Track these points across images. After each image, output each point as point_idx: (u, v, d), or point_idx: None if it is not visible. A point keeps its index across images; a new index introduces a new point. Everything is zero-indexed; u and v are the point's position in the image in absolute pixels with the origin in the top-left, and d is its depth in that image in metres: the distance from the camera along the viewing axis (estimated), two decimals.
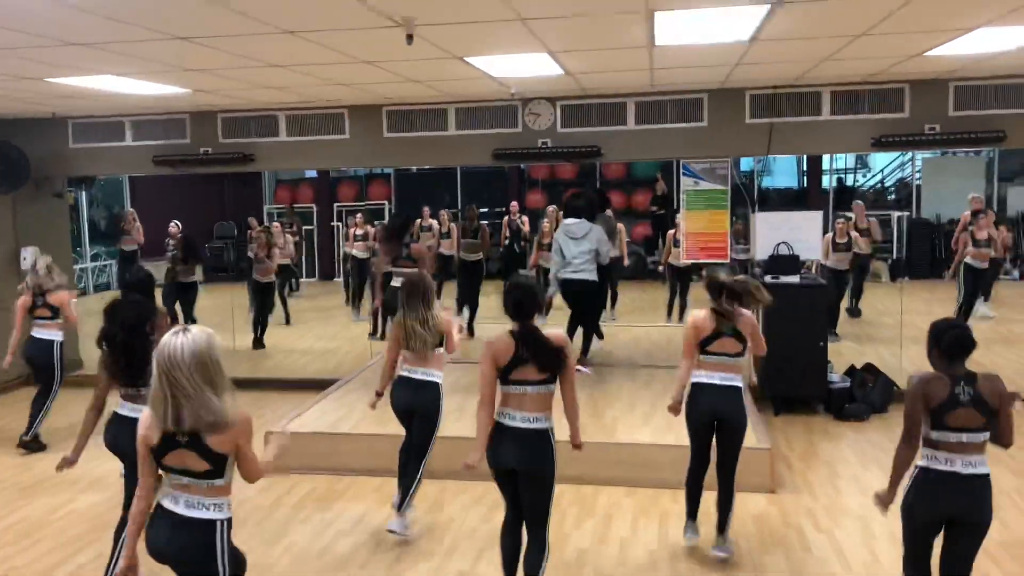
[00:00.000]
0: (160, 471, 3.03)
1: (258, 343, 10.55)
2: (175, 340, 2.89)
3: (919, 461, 3.54)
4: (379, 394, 5.29)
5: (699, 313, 4.77)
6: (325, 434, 6.61)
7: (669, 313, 10.89)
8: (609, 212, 10.76)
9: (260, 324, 10.64)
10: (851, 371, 7.94)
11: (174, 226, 11.39)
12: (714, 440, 4.81)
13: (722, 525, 4.80)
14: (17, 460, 6.87)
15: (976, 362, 3.56)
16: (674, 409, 4.84)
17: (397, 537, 5.15)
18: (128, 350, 4.23)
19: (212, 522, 3.00)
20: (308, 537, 5.27)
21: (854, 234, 10.38)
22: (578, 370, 6.83)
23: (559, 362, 3.91)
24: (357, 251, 12.06)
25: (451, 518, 5.52)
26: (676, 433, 6.36)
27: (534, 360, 3.87)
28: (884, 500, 3.66)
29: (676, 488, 5.75)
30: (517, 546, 4.10)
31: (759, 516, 5.44)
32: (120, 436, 4.28)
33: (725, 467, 4.78)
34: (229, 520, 3.07)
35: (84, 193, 16.51)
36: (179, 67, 5.99)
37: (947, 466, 3.45)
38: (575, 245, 7.76)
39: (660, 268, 10.91)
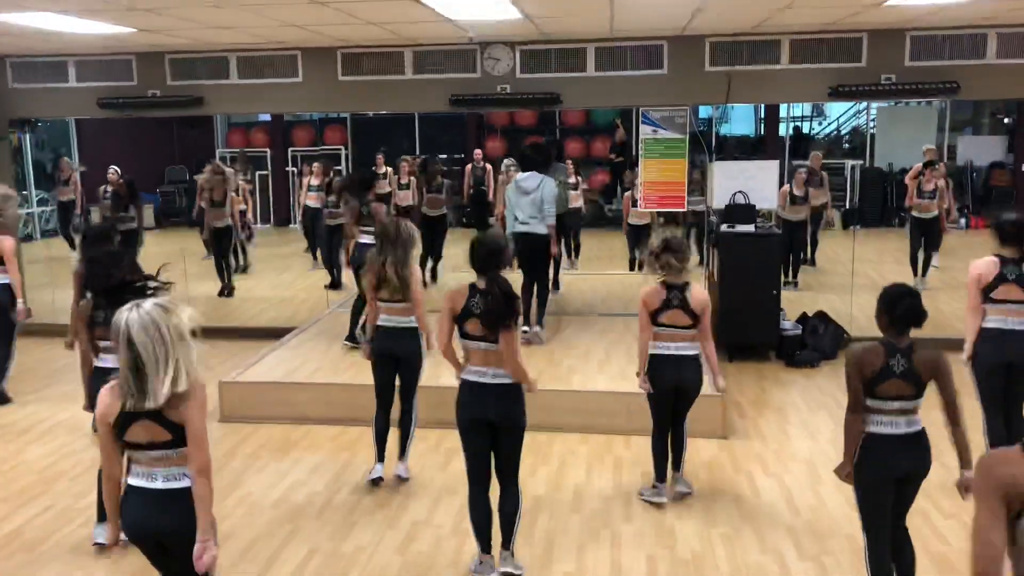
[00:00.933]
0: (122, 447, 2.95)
1: (227, 291, 10.32)
2: (130, 315, 2.81)
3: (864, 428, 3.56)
4: (371, 342, 5.23)
5: (647, 288, 4.84)
6: (281, 383, 6.57)
7: (631, 267, 10.95)
8: (566, 163, 10.68)
9: (224, 270, 10.39)
10: (803, 319, 8.09)
11: (112, 172, 10.92)
12: None
13: (677, 463, 5.03)
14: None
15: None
16: (644, 381, 4.90)
17: (369, 485, 5.22)
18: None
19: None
20: (263, 487, 5.27)
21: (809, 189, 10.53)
22: (523, 332, 6.89)
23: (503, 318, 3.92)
24: (311, 202, 11.78)
25: (407, 467, 5.54)
26: (631, 382, 6.45)
27: (482, 317, 3.93)
28: (843, 470, 3.68)
29: (630, 435, 5.87)
30: (488, 513, 4.12)
31: (710, 462, 5.56)
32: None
33: (677, 419, 4.97)
34: None
35: (28, 135, 15.97)
36: (120, 5, 5.74)
37: (892, 428, 3.50)
38: (526, 199, 7.46)
39: (624, 230, 10.86)
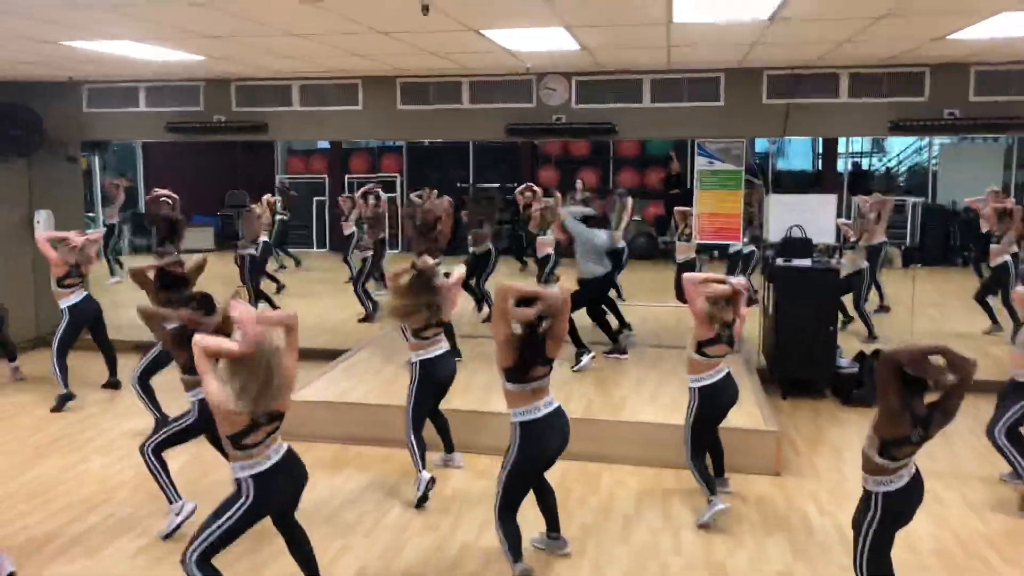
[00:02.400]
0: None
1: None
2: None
3: (877, 487, 3.68)
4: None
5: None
6: (333, 403, 6.65)
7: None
8: (621, 190, 10.67)
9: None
10: (860, 356, 7.92)
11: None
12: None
13: (721, 468, 5.40)
14: (31, 420, 6.95)
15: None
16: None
17: (425, 495, 5.32)
18: None
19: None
20: (314, 503, 5.31)
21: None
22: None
23: None
24: (345, 228, 12.30)
25: (456, 489, 5.56)
26: (683, 413, 6.40)
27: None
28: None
29: (680, 468, 5.78)
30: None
31: (763, 498, 5.46)
32: None
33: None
34: None
35: (97, 158, 16.57)
36: (196, 33, 5.97)
37: (907, 479, 3.61)
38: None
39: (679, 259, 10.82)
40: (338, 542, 4.81)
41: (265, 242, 10.93)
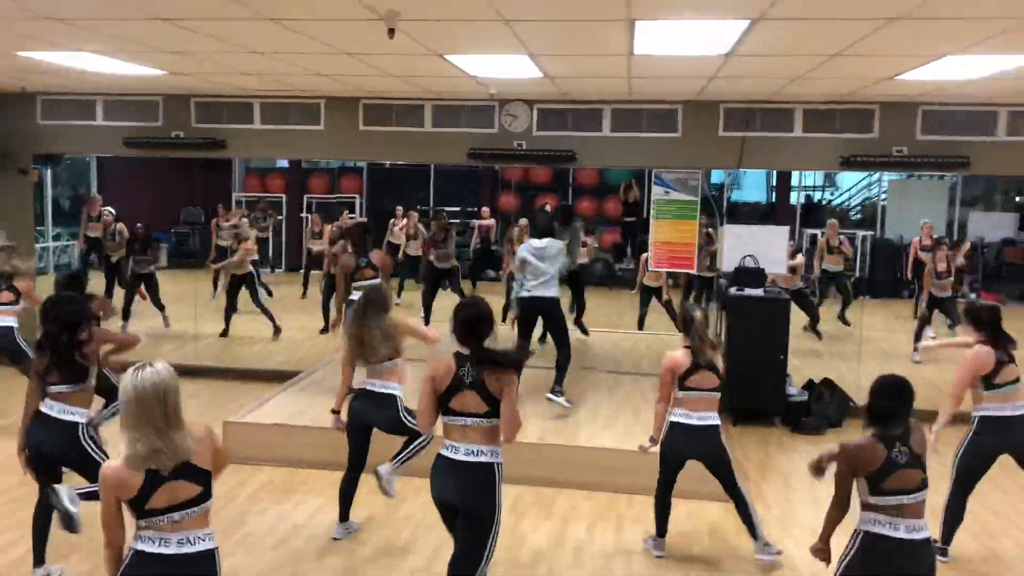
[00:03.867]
0: (140, 519, 2.88)
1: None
2: (145, 376, 2.88)
3: (860, 525, 3.48)
4: (336, 411, 5.19)
5: (674, 353, 4.91)
6: (284, 426, 6.57)
7: (640, 326, 10.95)
8: (577, 224, 10.65)
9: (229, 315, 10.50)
10: (809, 385, 8.07)
11: (108, 214, 11.25)
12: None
13: (753, 533, 4.94)
14: None
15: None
16: (650, 447, 4.99)
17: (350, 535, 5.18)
18: (68, 350, 4.25)
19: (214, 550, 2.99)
20: (264, 529, 5.24)
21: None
22: (550, 399, 6.87)
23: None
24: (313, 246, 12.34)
25: (409, 515, 5.52)
26: (638, 439, 6.44)
27: (477, 389, 3.59)
28: (823, 555, 3.66)
29: (634, 493, 5.84)
30: None
31: (714, 525, 5.51)
32: (45, 437, 4.28)
33: (727, 490, 4.95)
34: None
35: (49, 171, 16.24)
36: (158, 48, 5.92)
37: (891, 531, 3.38)
38: (545, 264, 7.10)
39: (634, 292, 10.92)
40: (287, 568, 4.74)
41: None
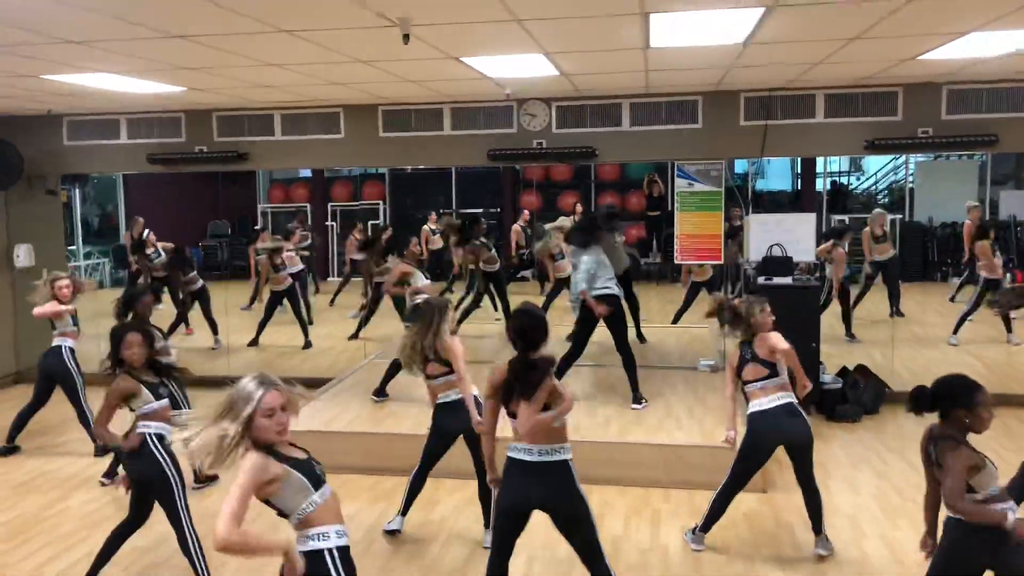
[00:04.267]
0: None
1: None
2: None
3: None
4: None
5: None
6: (318, 432, 6.61)
7: (676, 320, 10.93)
8: (619, 237, 10.18)
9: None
10: (843, 372, 7.98)
11: (151, 234, 11.49)
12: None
13: (817, 526, 4.88)
14: (9, 458, 6.86)
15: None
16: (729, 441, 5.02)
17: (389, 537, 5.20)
18: None
19: None
20: None
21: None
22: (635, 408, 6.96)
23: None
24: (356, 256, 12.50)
25: (444, 517, 5.53)
26: (668, 433, 6.42)
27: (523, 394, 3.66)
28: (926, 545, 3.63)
29: (668, 487, 5.82)
30: None
31: (750, 515, 5.47)
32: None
33: (802, 476, 4.89)
34: None
35: (78, 191, 16.49)
36: (176, 65, 6.00)
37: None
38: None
39: (682, 285, 11.01)
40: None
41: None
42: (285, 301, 10.65)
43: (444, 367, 4.96)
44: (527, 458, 3.69)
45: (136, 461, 4.38)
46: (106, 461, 6.44)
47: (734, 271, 10.62)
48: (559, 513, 3.77)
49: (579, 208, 13.12)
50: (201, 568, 4.35)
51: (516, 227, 14.61)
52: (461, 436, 5.07)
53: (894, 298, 11.07)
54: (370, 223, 14.90)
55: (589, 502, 3.81)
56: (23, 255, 9.24)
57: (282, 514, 2.98)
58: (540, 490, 3.71)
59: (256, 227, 14.54)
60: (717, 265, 10.28)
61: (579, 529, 3.78)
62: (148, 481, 4.39)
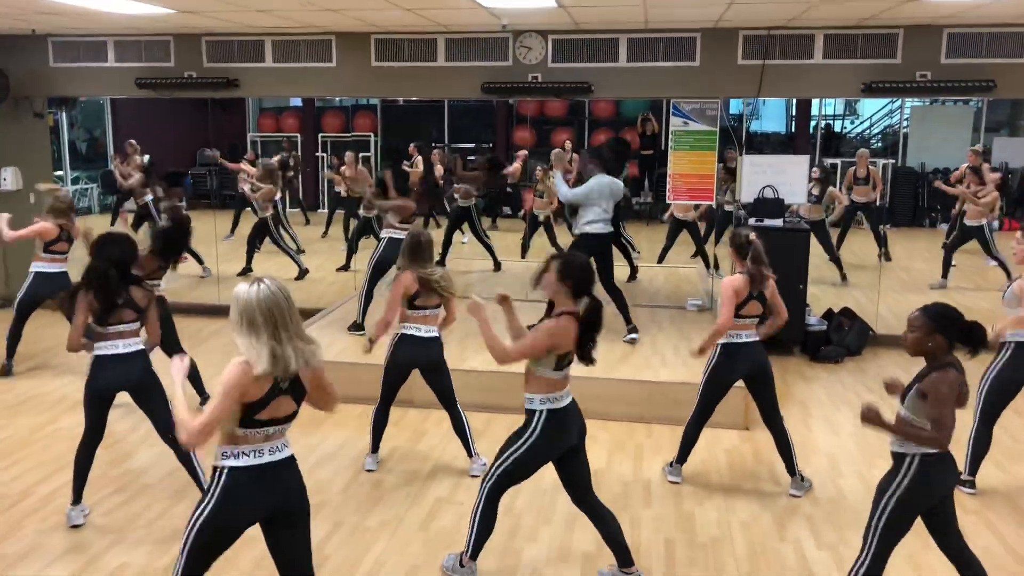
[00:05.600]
0: (242, 429, 2.96)
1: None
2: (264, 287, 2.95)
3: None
4: (372, 342, 5.30)
5: (734, 278, 4.86)
6: None
7: (660, 259, 10.96)
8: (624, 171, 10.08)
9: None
10: (828, 314, 8.07)
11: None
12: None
13: (789, 468, 5.01)
14: None
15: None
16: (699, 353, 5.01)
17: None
18: (116, 288, 4.37)
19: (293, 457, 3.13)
20: None
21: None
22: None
23: None
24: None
25: (432, 446, 5.63)
26: (654, 370, 6.51)
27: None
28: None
29: (650, 423, 5.94)
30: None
31: (731, 451, 5.59)
32: (112, 377, 4.44)
33: (768, 415, 5.04)
34: None
35: (64, 115, 16.22)
36: None
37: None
38: (608, 201, 7.14)
39: (664, 218, 11.05)
40: (316, 498, 4.83)
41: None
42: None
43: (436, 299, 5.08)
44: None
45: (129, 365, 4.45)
46: None
47: (721, 215, 10.63)
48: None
49: (568, 146, 12.95)
50: (203, 480, 4.43)
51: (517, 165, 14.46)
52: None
53: (880, 241, 11.15)
54: (360, 155, 14.72)
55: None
56: (9, 178, 9.14)
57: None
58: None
59: (245, 156, 14.40)
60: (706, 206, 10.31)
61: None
62: (143, 388, 4.50)
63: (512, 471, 3.88)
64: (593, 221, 7.06)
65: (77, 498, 4.56)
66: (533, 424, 3.83)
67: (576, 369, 6.40)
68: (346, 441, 5.71)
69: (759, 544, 4.38)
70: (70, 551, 4.25)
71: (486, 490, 3.91)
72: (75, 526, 4.48)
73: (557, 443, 3.87)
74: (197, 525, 2.95)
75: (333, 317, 8.00)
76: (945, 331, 3.40)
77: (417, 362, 5.16)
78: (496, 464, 3.90)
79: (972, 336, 3.42)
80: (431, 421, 5.98)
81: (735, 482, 5.14)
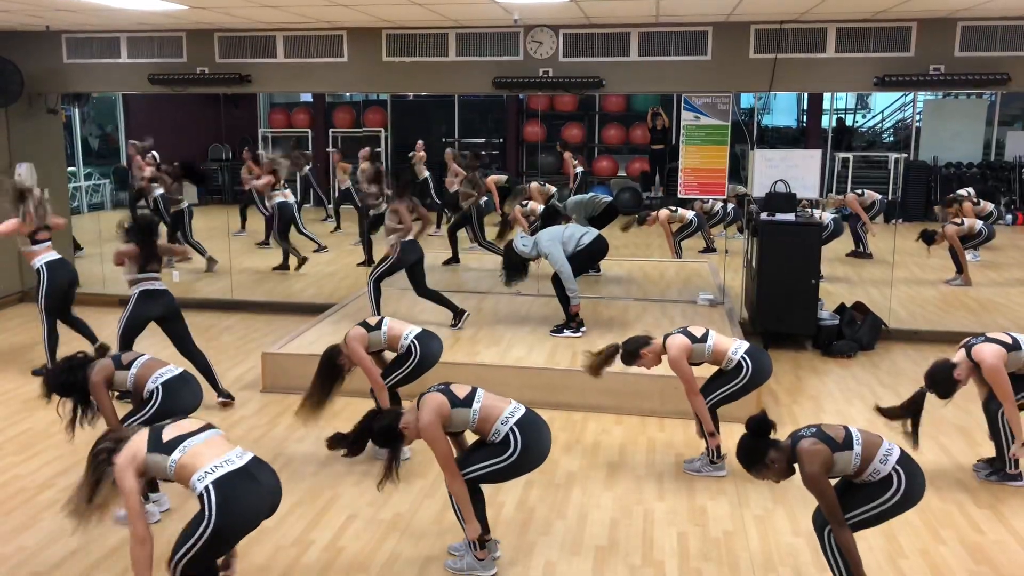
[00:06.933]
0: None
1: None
2: None
3: None
4: None
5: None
6: (317, 356, 6.68)
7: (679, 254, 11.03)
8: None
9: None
10: (841, 309, 8.05)
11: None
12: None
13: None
14: (19, 373, 6.96)
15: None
16: None
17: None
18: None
19: None
20: (303, 456, 5.41)
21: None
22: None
23: None
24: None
25: None
26: (665, 365, 6.51)
27: None
28: None
29: (663, 416, 5.94)
30: None
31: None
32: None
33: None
34: None
35: (77, 111, 16.30)
36: None
37: None
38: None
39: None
40: (327, 492, 4.90)
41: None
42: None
43: None
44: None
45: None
46: None
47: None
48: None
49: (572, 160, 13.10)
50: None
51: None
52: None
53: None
54: (372, 151, 14.75)
55: None
56: (24, 173, 9.20)
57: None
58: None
59: (256, 151, 14.41)
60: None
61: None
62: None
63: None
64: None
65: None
66: (511, 441, 3.88)
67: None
68: None
69: (772, 539, 4.39)
70: (89, 543, 4.29)
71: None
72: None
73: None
74: (202, 541, 3.06)
75: (347, 311, 8.04)
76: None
77: None
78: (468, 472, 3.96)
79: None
80: None
81: (748, 477, 5.12)
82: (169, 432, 3.25)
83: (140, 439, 3.21)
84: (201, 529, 3.04)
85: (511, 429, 3.82)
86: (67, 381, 4.37)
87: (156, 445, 3.20)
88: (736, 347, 4.99)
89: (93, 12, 7.34)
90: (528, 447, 3.84)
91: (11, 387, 6.66)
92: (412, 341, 5.20)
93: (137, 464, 3.17)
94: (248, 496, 3.11)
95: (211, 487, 3.06)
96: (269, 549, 4.17)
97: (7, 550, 4.22)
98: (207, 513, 3.04)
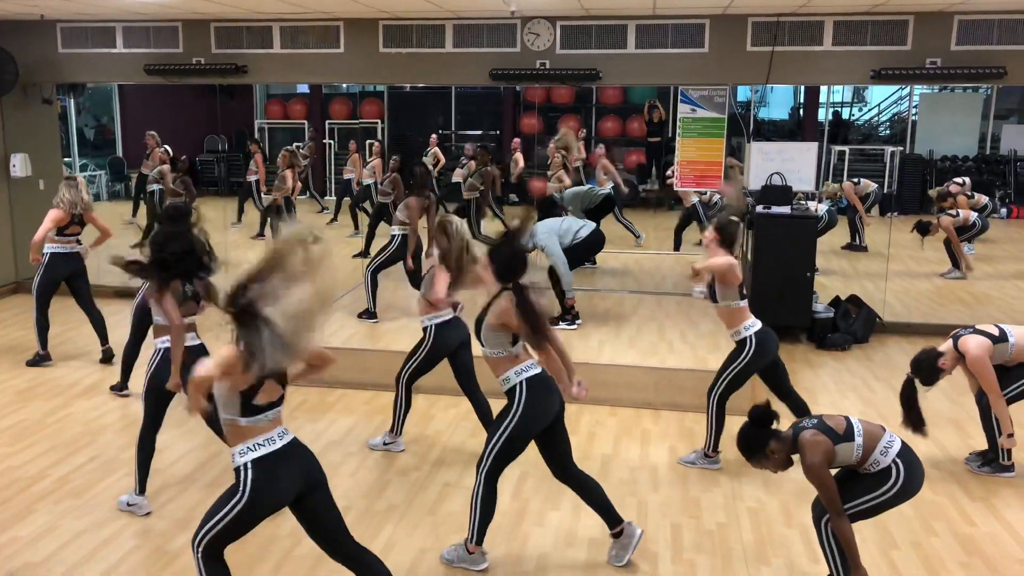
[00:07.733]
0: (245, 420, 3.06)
1: None
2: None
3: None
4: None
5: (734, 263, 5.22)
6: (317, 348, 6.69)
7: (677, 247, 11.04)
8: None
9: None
10: (836, 302, 8.07)
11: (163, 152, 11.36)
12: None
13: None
14: (12, 365, 6.96)
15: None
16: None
17: (382, 449, 5.35)
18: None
19: None
20: None
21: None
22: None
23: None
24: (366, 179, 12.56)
25: (439, 431, 5.67)
26: (661, 357, 6.53)
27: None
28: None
29: (658, 409, 5.96)
30: None
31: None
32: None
33: (784, 392, 5.35)
34: None
35: (72, 101, 16.24)
36: None
37: None
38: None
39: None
40: None
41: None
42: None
43: None
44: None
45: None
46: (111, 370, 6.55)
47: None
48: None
49: (583, 133, 13.05)
50: None
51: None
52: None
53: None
54: (367, 142, 14.73)
55: None
56: (19, 164, 9.18)
57: None
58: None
59: (261, 144, 14.40)
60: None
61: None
62: None
63: (506, 449, 3.91)
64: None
65: (142, 489, 4.55)
66: (516, 397, 3.88)
67: (584, 355, 6.47)
68: (354, 426, 5.75)
69: (765, 531, 4.41)
70: (83, 533, 4.30)
71: (483, 474, 3.94)
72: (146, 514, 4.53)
73: (544, 409, 3.93)
74: (229, 517, 3.04)
75: (343, 303, 8.03)
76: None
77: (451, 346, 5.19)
78: (489, 446, 3.92)
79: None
80: (438, 407, 6.02)
81: (741, 469, 5.15)
82: (262, 397, 3.08)
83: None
84: (232, 503, 3.04)
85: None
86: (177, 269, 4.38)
87: (248, 406, 3.07)
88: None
89: (88, 1, 7.30)
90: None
91: (4, 378, 6.66)
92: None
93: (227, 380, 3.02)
94: (283, 479, 3.10)
95: (250, 465, 3.05)
96: (263, 540, 4.18)
97: (1, 540, 4.23)
98: (241, 489, 3.04)
